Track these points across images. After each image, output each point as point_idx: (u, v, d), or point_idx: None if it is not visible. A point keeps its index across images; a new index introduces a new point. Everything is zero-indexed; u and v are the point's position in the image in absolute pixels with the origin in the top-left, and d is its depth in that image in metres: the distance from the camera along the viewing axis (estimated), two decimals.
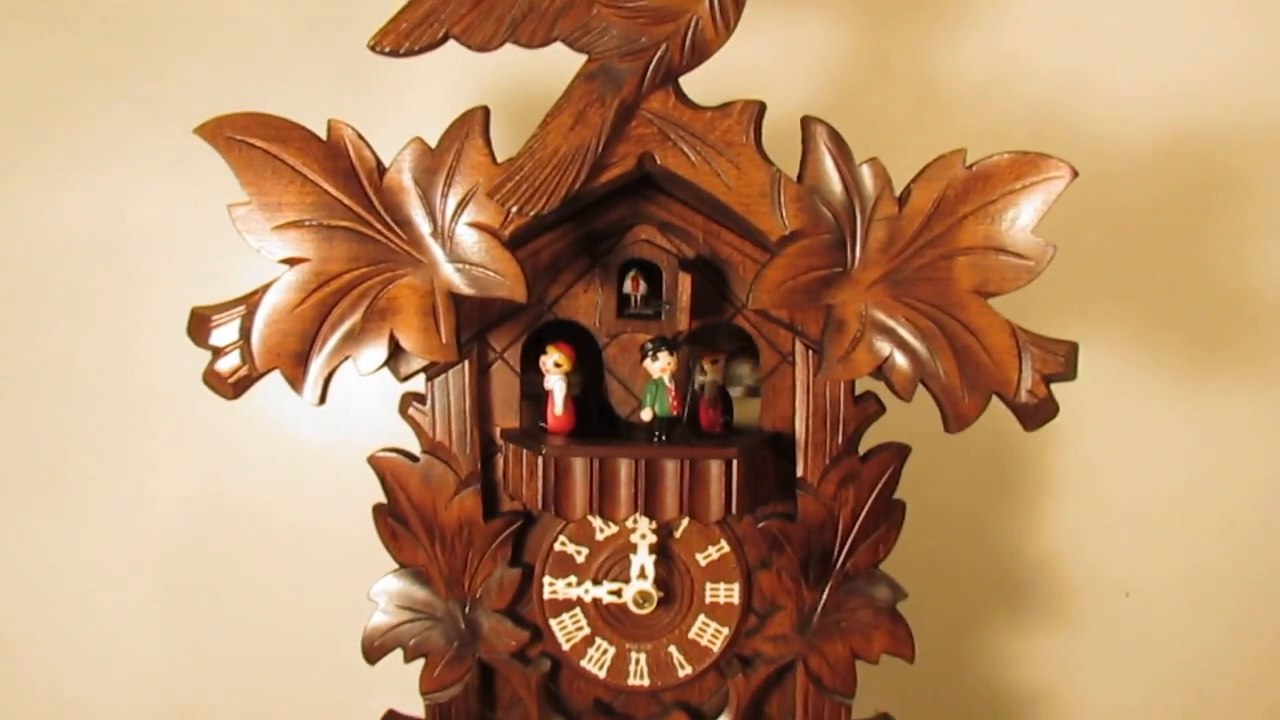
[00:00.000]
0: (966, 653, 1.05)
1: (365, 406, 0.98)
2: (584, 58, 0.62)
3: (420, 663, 0.80)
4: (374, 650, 0.75)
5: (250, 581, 1.06)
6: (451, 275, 0.63)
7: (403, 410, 0.74)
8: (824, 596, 0.75)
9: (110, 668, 1.06)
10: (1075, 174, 0.62)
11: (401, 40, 0.59)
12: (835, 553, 0.75)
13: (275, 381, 0.67)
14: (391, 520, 0.75)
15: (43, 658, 1.07)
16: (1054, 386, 0.67)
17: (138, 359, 1.03)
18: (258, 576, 1.05)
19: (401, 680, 0.81)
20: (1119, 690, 1.06)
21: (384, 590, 0.76)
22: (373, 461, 0.74)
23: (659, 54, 0.61)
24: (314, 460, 1.04)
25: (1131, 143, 0.99)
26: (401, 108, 0.95)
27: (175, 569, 1.05)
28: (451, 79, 0.87)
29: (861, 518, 0.74)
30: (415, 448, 0.75)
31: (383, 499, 0.76)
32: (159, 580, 1.06)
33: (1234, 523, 1.03)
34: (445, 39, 0.60)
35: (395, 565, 0.76)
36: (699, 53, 0.61)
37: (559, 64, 0.64)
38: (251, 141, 0.62)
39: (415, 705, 0.80)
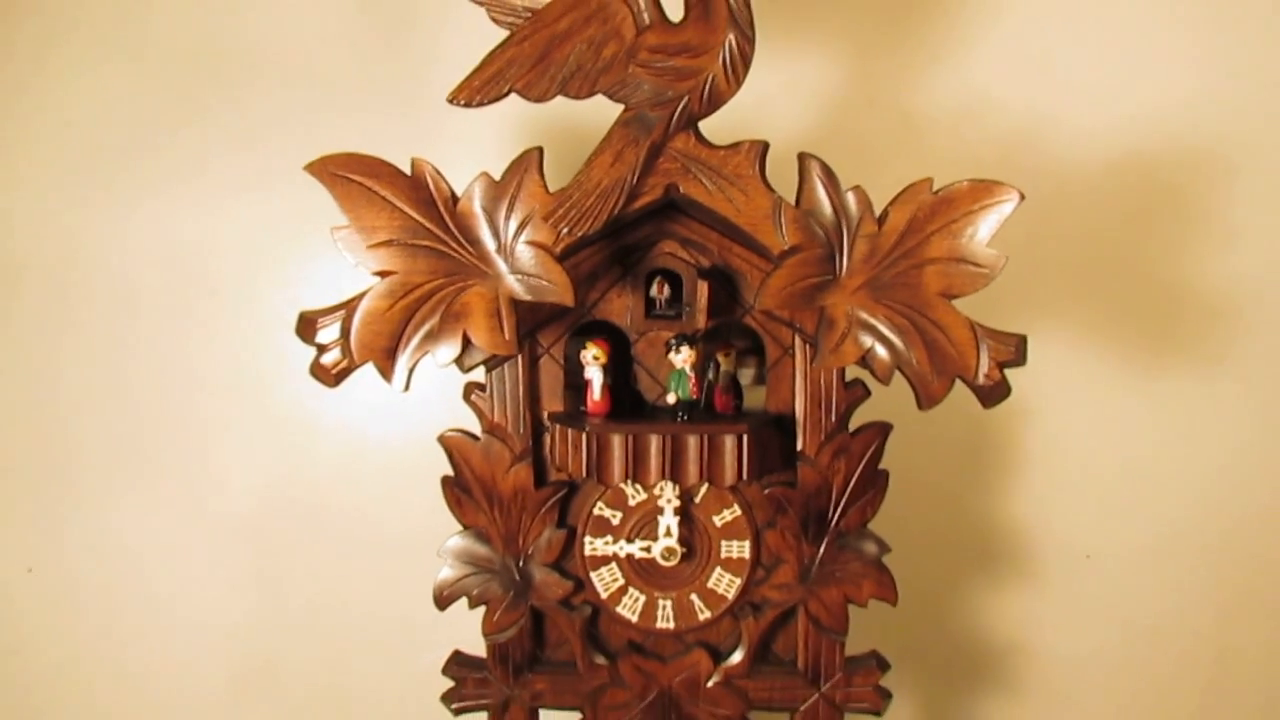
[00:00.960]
0: (945, 606, 1.09)
1: (420, 400, 0.99)
2: (621, 107, 0.69)
3: (469, 619, 0.84)
4: (443, 598, 0.81)
5: (320, 552, 1.10)
6: (513, 284, 0.70)
7: (466, 397, 0.80)
8: (821, 551, 0.81)
9: (198, 630, 1.11)
10: (1023, 197, 0.68)
11: (473, 95, 0.67)
12: (830, 514, 0.80)
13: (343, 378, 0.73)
14: (457, 489, 0.81)
15: (139, 621, 1.11)
16: (1021, 374, 0.72)
17: (223, 359, 1.08)
18: (327, 548, 1.10)
19: (451, 637, 0.86)
20: (1080, 640, 1.09)
21: (450, 548, 0.82)
22: (442, 440, 0.80)
23: (682, 104, 0.68)
24: (376, 448, 1.08)
25: (1085, 165, 1.02)
26: (446, 136, 0.96)
27: (255, 542, 1.10)
28: (494, 112, 0.93)
29: (852, 484, 0.80)
30: (475, 429, 0.81)
31: (447, 473, 0.81)
32: (241, 552, 1.10)
33: (1182, 492, 1.06)
34: (508, 93, 0.67)
35: (459, 528, 0.82)
36: (714, 103, 0.68)
37: (597, 107, 0.70)
38: (350, 176, 0.69)
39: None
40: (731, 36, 0.66)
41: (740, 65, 0.67)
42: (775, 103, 0.99)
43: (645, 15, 0.67)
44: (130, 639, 1.11)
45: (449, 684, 0.85)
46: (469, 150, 0.82)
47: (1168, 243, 1.04)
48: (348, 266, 0.93)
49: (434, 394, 0.97)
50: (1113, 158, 1.02)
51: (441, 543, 0.83)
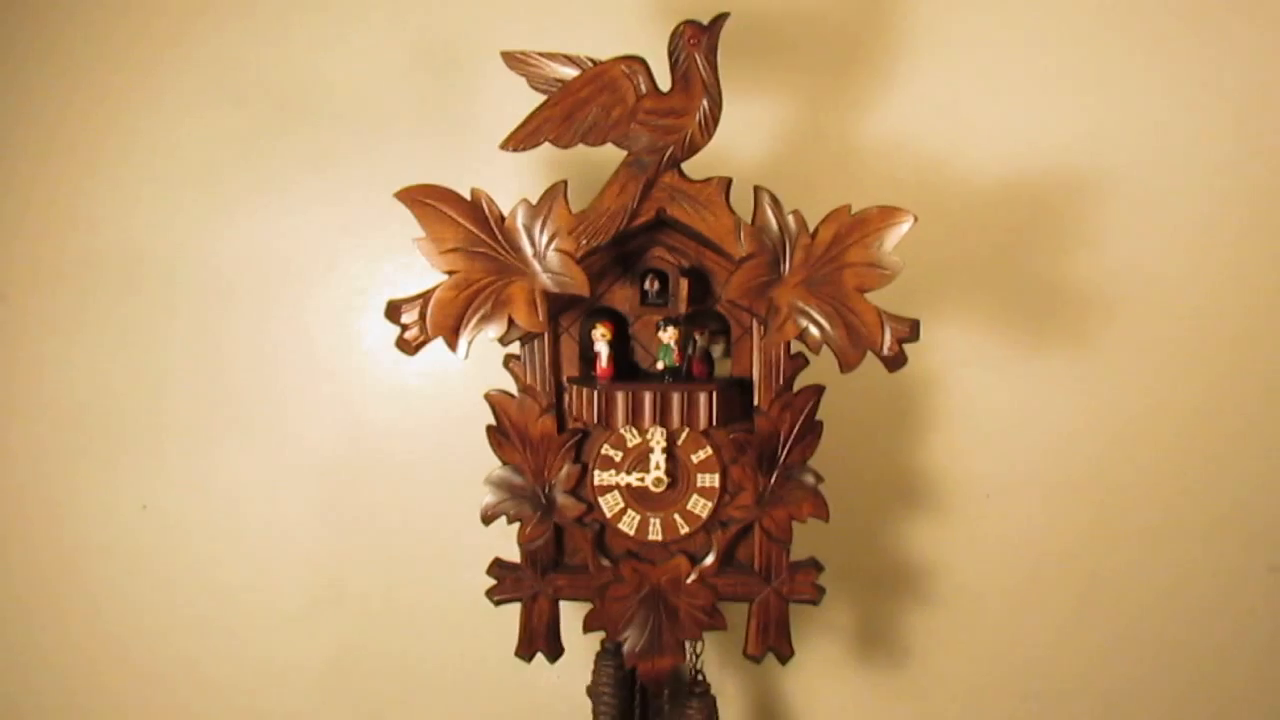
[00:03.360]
0: (872, 531, 1.18)
1: (456, 372, 1.13)
2: (624, 153, 0.83)
3: (497, 546, 0.96)
4: (488, 516, 0.93)
5: (379, 492, 1.19)
6: (545, 280, 0.84)
7: (505, 364, 0.93)
8: (772, 481, 0.92)
9: (280, 554, 1.21)
10: (916, 219, 0.81)
11: (519, 144, 0.83)
12: (779, 453, 0.91)
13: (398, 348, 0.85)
14: (498, 434, 0.93)
15: (232, 548, 1.21)
16: (933, 351, 0.93)
17: (301, 336, 1.17)
18: (384, 488, 1.19)
19: (483, 558, 0.96)
20: (980, 562, 1.18)
21: (493, 479, 0.94)
22: (487, 397, 0.93)
23: (669, 152, 0.82)
24: (422, 409, 1.17)
25: (984, 187, 1.11)
26: (482, 161, 1.06)
27: (327, 483, 1.19)
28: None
29: (795, 431, 0.91)
30: (512, 388, 0.93)
31: (490, 422, 0.94)
32: (315, 491, 1.20)
33: (1059, 446, 1.15)
34: (543, 142, 0.83)
35: (499, 464, 0.93)
36: (692, 150, 0.82)
37: (606, 152, 0.84)
38: (427, 201, 0.83)
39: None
40: (705, 102, 0.82)
41: (711, 123, 0.82)
42: (740, 138, 1.06)
43: (643, 87, 0.82)
44: (225, 562, 1.21)
45: (481, 601, 0.96)
46: (502, 173, 0.94)
47: (1048, 248, 1.12)
48: (402, 265, 1.10)
49: (465, 369, 1.03)
50: (1005, 181, 1.11)
51: (475, 482, 0.94)
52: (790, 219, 0.84)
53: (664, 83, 0.83)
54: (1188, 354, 1.15)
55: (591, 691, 1.04)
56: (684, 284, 0.88)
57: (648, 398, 0.87)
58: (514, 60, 0.84)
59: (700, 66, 0.82)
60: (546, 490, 0.95)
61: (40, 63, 1.16)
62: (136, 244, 1.17)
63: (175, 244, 1.17)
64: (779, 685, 1.23)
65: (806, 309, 0.84)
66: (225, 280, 1.17)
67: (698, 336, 0.93)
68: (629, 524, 0.95)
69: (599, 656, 1.03)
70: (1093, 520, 1.18)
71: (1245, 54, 1.10)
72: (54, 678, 1.25)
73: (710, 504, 0.94)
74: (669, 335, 0.89)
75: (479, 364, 0.94)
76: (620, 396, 0.87)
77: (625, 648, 0.95)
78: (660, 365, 0.90)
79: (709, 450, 0.94)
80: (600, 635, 0.97)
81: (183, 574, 1.22)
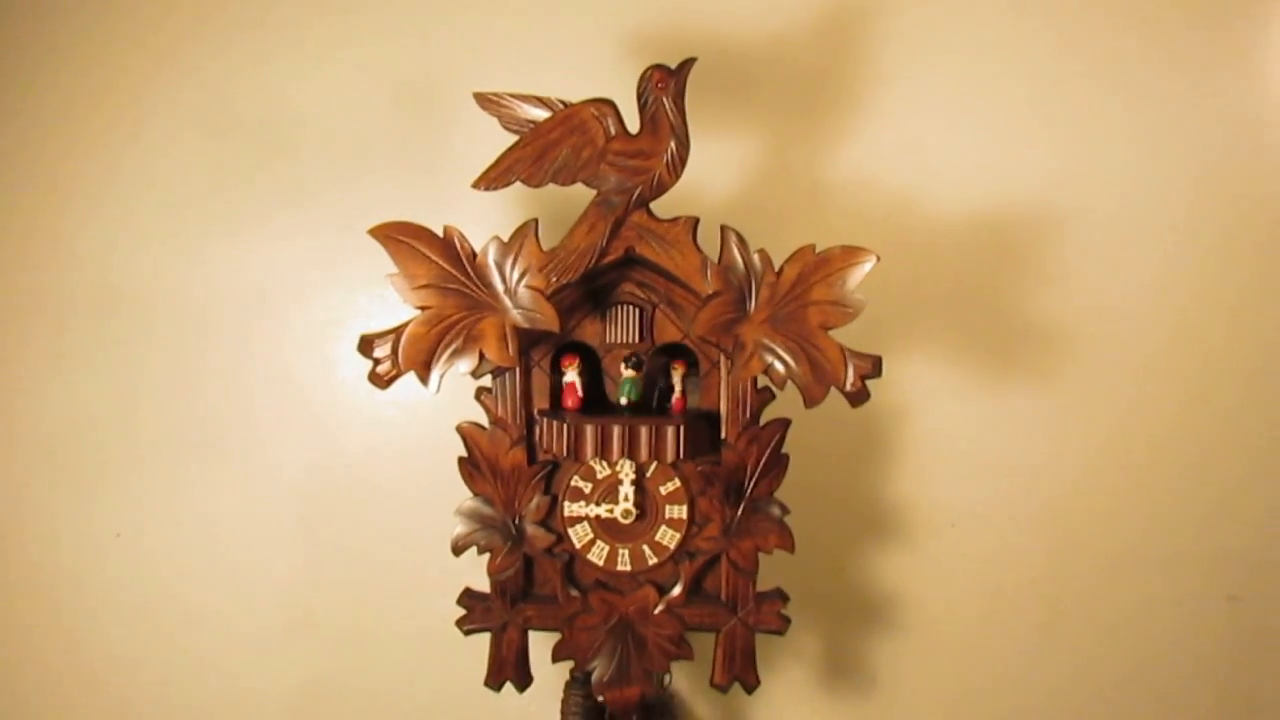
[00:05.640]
0: (840, 560, 1.18)
1: (429, 402, 1.10)
2: (594, 192, 0.84)
3: (470, 575, 0.95)
4: (458, 547, 0.93)
5: (352, 521, 1.19)
6: (516, 316, 0.84)
7: (477, 396, 0.93)
8: (739, 513, 0.92)
9: (253, 582, 1.20)
10: (878, 258, 0.82)
11: (490, 184, 0.84)
12: (745, 485, 0.92)
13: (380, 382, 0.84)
14: (469, 465, 0.93)
15: (206, 576, 1.20)
16: (901, 384, 0.94)
17: (276, 366, 1.18)
18: (357, 517, 1.19)
19: (456, 588, 0.95)
20: (945, 589, 1.19)
21: (463, 510, 0.93)
22: (459, 429, 0.93)
23: (637, 192, 0.83)
24: (395, 437, 1.18)
25: (948, 225, 1.13)
26: (456, 195, 1.04)
27: (300, 512, 1.19)
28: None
29: (762, 463, 0.91)
30: (484, 420, 0.93)
31: (462, 454, 0.94)
32: (289, 520, 1.19)
33: (1021, 476, 1.16)
34: (514, 182, 0.84)
35: (469, 495, 0.93)
36: (660, 190, 0.84)
37: (576, 191, 0.85)
38: (400, 238, 0.83)
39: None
40: (672, 144, 0.83)
41: (679, 164, 0.84)
42: (709, 176, 1.08)
43: (612, 129, 0.84)
44: (198, 590, 1.20)
45: (451, 630, 0.95)
46: (474, 210, 0.95)
47: (1011, 285, 1.14)
48: (375, 296, 1.11)
49: (437, 400, 1.01)
50: (970, 219, 1.12)
51: (447, 512, 0.94)
52: (756, 257, 0.85)
53: (633, 124, 0.85)
54: (1149, 388, 1.17)
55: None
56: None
57: (616, 431, 0.87)
58: (486, 101, 0.86)
59: (668, 109, 0.83)
60: (516, 521, 0.95)
61: (19, 96, 1.17)
62: (114, 274, 1.18)
63: (152, 274, 1.18)
64: (746, 713, 1.23)
65: (771, 345, 0.85)
66: (201, 310, 1.18)
67: (674, 370, 0.94)
68: (598, 555, 0.95)
69: (568, 686, 1.03)
70: (1055, 550, 1.19)
71: (1208, 95, 1.13)
72: (25, 705, 1.24)
73: (678, 535, 0.95)
74: (634, 370, 0.91)
75: (451, 394, 0.94)
76: (589, 429, 0.87)
77: (593, 677, 0.96)
78: (624, 400, 0.91)
79: (677, 482, 0.95)
80: (569, 665, 0.97)
81: (156, 602, 1.22)
